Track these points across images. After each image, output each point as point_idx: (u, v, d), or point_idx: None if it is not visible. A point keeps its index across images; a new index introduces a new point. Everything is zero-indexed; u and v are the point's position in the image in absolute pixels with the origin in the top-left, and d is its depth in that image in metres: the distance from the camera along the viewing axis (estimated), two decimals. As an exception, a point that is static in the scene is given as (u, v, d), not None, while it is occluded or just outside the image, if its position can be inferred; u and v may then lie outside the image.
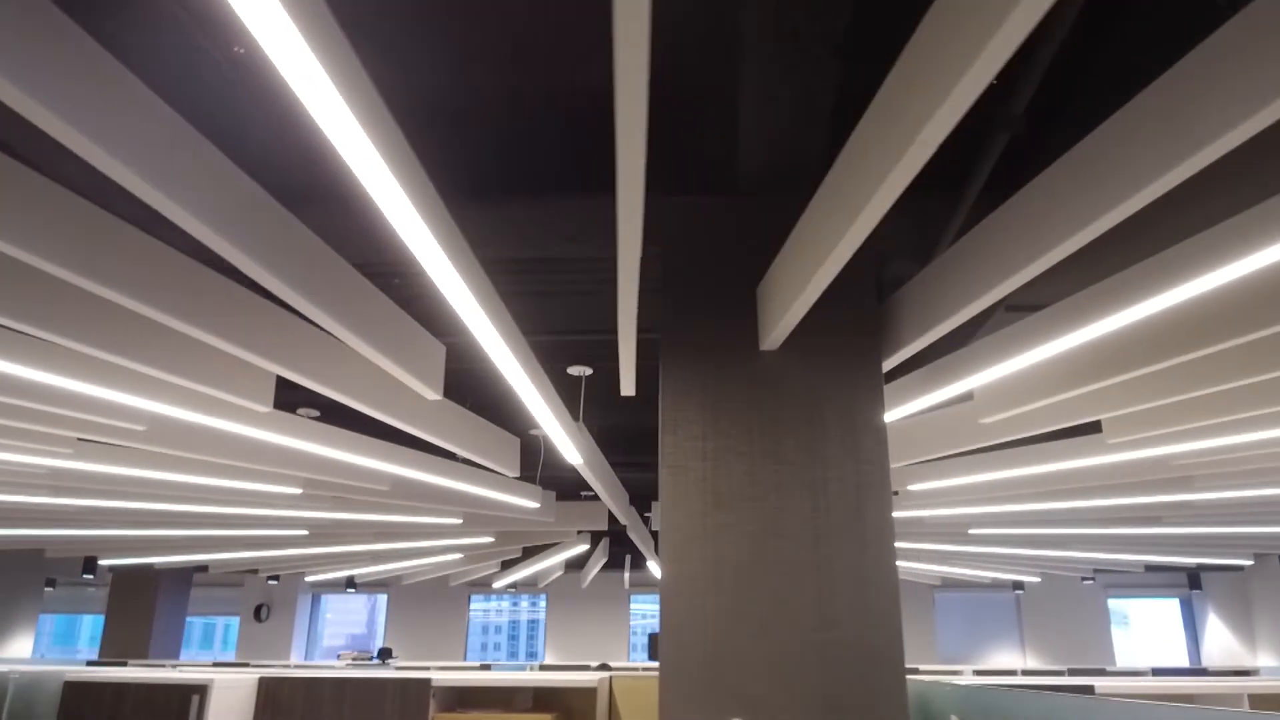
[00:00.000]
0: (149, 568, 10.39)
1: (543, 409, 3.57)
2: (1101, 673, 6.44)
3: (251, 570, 11.02)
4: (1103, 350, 3.15)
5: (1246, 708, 2.79)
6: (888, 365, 3.11)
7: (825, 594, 2.68)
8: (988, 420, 3.79)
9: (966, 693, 2.70)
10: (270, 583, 12.95)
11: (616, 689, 3.35)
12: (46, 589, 13.50)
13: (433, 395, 3.47)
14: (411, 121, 1.97)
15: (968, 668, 9.46)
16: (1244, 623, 12.55)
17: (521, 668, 7.51)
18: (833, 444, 2.83)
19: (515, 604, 14.77)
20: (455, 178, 3.20)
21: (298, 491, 5.42)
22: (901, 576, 11.63)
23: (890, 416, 3.77)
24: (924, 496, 5.61)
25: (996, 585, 12.88)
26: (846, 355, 2.93)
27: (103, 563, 9.79)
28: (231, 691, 2.98)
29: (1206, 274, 2.13)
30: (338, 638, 14.51)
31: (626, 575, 12.56)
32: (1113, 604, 13.29)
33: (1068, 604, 13.11)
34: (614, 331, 3.17)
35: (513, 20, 2.43)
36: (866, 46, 2.35)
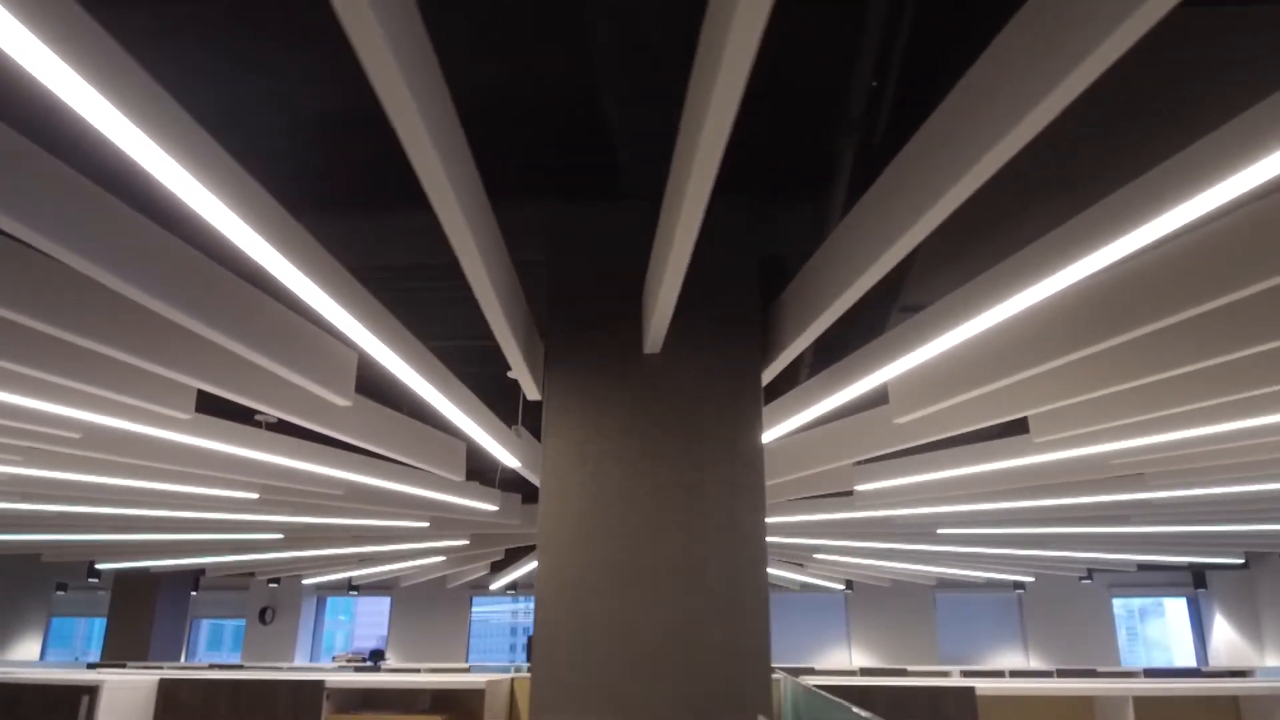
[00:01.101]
0: (148, 572, 10.59)
1: (455, 413, 3.62)
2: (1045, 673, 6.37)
3: (249, 573, 11.21)
4: (1019, 339, 3.08)
5: (1130, 713, 2.77)
6: (776, 368, 3.12)
7: (697, 595, 2.71)
8: (901, 420, 3.78)
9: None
10: (270, 585, 13.14)
11: (519, 689, 3.39)
12: (57, 593, 13.80)
13: (343, 402, 3.54)
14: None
15: (956, 668, 9.41)
16: (1250, 622, 12.32)
17: (507, 669, 7.58)
18: (709, 447, 2.85)
19: (516, 605, 14.86)
20: (359, 185, 3.27)
21: (254, 496, 5.52)
22: (898, 578, 11.56)
23: (799, 420, 3.78)
24: (875, 497, 5.60)
25: (997, 585, 12.75)
26: (726, 359, 2.95)
27: (99, 566, 10.01)
28: (129, 693, 3.06)
29: (1112, 243, 2.00)
30: (368, 639, 14.61)
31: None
32: (1132, 604, 13.10)
33: (1071, 604, 12.94)
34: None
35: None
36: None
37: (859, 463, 5.34)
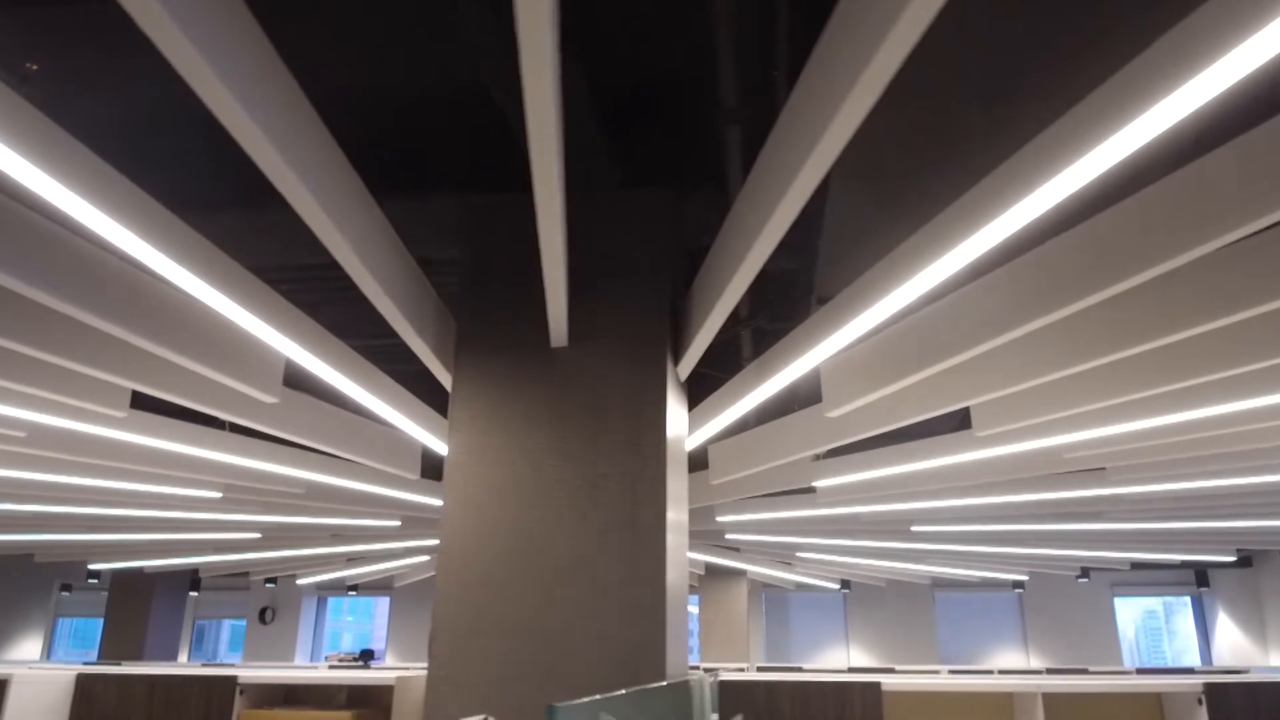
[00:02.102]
0: (142, 572, 10.71)
1: (382, 406, 3.63)
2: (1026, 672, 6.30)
3: (243, 573, 11.31)
4: (950, 324, 3.01)
5: (1040, 709, 2.72)
6: (689, 362, 3.11)
7: (596, 589, 2.70)
8: (834, 413, 3.75)
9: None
10: (268, 586, 13.25)
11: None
12: (62, 593, 14.00)
13: (269, 399, 3.56)
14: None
15: (944, 668, 9.31)
16: (1255, 620, 12.12)
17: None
18: (612, 441, 2.84)
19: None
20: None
21: (218, 495, 5.57)
22: (892, 577, 11.48)
23: (731, 416, 3.76)
24: (837, 493, 5.55)
25: (997, 585, 12.62)
26: (632, 352, 2.94)
27: (92, 567, 10.13)
28: (42, 688, 3.10)
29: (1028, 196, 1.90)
30: (382, 641, 14.66)
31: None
32: (1153, 603, 12.92)
33: (1072, 604, 12.79)
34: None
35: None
36: (599, 47, 2.38)
37: (817, 458, 5.31)
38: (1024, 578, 11.35)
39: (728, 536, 7.47)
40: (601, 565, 2.71)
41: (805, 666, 9.62)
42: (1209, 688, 2.66)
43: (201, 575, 12.68)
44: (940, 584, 13.00)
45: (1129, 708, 2.96)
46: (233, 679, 3.13)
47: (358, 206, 2.34)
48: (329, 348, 3.30)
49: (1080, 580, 12.28)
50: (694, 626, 12.52)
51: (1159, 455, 4.69)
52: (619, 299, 3.00)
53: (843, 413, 3.76)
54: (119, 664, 8.87)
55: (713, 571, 10.63)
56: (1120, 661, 12.52)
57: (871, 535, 7.31)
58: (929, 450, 4.59)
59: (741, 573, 10.81)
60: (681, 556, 3.06)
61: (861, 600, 13.20)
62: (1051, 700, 2.79)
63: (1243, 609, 12.29)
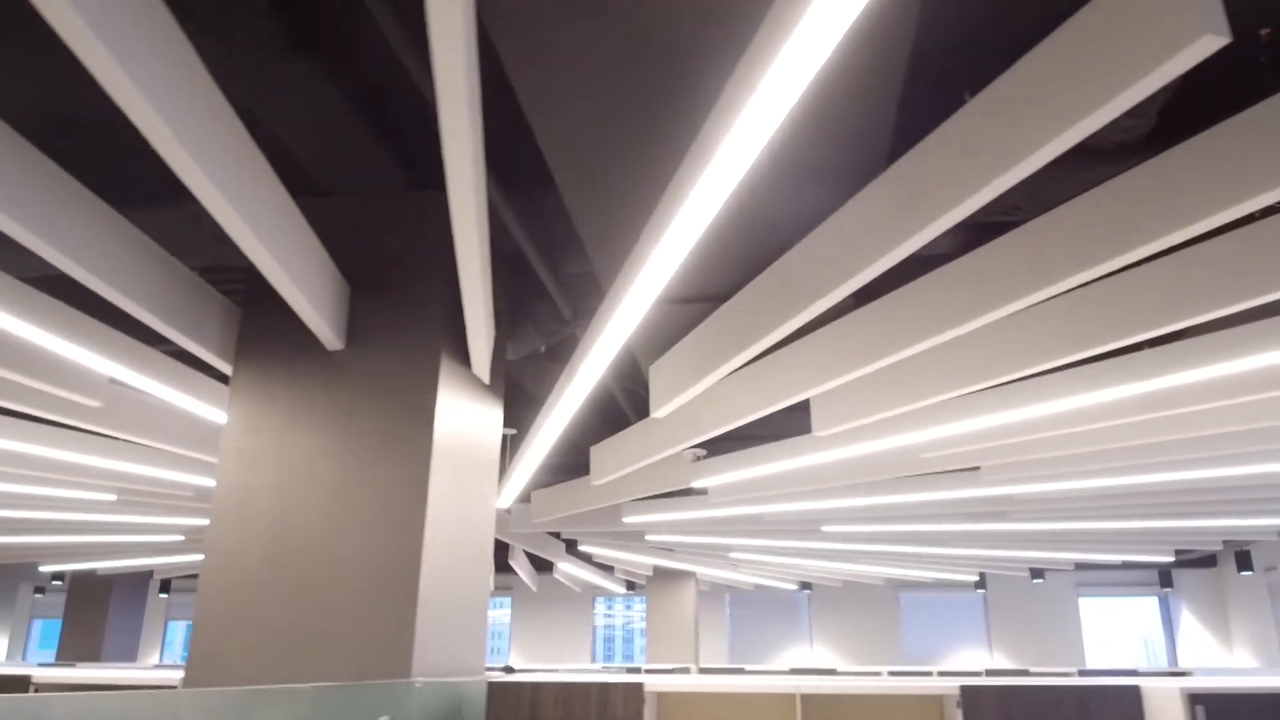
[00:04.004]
0: (95, 574, 10.82)
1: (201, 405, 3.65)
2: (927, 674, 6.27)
3: (192, 575, 11.40)
4: (760, 306, 2.96)
5: (797, 709, 2.71)
6: (480, 363, 3.11)
7: (350, 591, 2.71)
8: (661, 413, 3.75)
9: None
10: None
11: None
12: (36, 595, 14.16)
13: (92, 403, 3.60)
14: None
15: (884, 669, 9.25)
16: (1220, 622, 11.99)
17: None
18: (381, 443, 2.86)
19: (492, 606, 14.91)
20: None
21: (113, 498, 5.62)
22: (846, 578, 11.42)
23: (555, 425, 3.75)
24: (726, 493, 5.54)
25: (961, 585, 12.55)
26: (407, 355, 2.95)
27: (43, 569, 10.25)
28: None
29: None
30: None
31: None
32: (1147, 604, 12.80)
33: (1036, 604, 12.72)
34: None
35: None
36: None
37: (698, 458, 5.30)
38: (973, 578, 11.26)
39: (648, 538, 7.47)
40: (357, 567, 2.73)
41: (747, 668, 9.59)
42: (965, 690, 2.64)
43: (172, 577, 12.79)
44: (904, 585, 12.95)
45: (914, 708, 2.95)
46: (26, 678, 3.19)
47: (93, 219, 2.37)
48: (137, 354, 3.33)
49: (1037, 581, 12.19)
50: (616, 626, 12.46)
51: (1029, 454, 4.65)
52: (398, 302, 3.02)
53: (668, 411, 3.76)
54: (73, 665, 8.97)
55: (660, 573, 10.62)
56: (1083, 662, 12.42)
57: (786, 536, 7.29)
58: (787, 450, 4.58)
59: (689, 574, 10.79)
60: (464, 557, 3.07)
61: (826, 601, 13.16)
62: (834, 701, 2.78)
63: (1207, 609, 12.16)
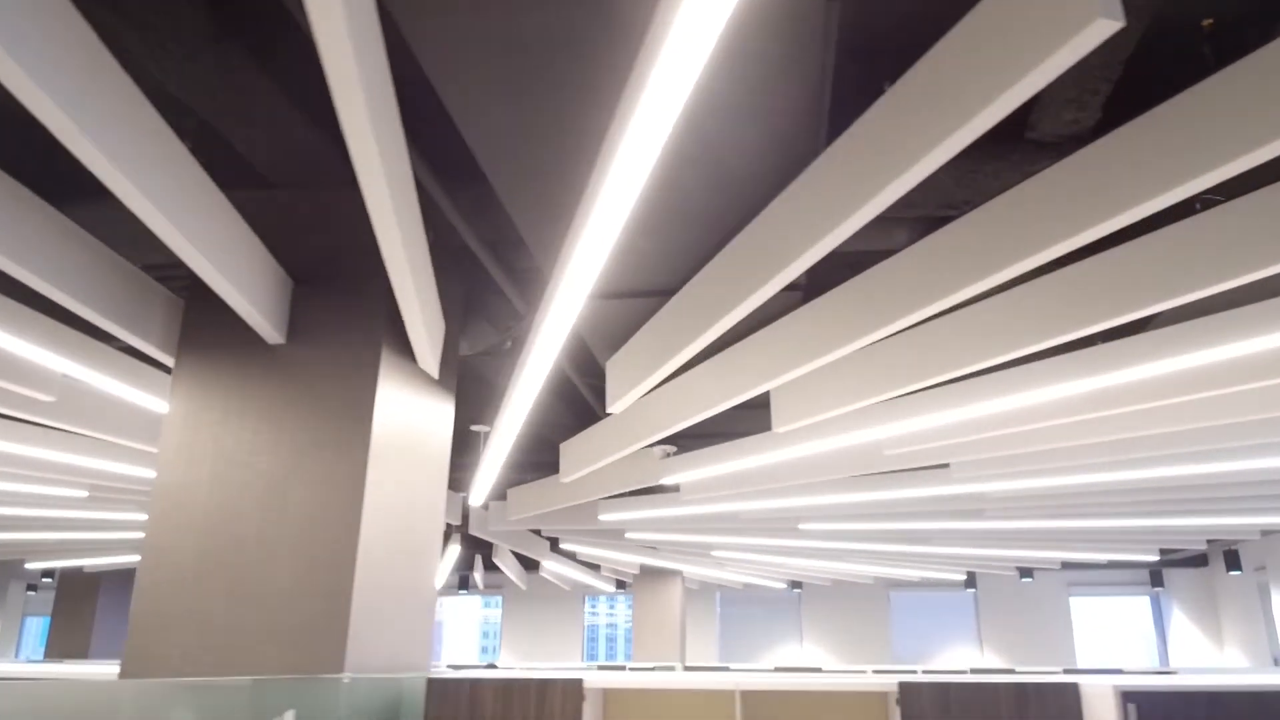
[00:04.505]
0: (82, 571, 10.83)
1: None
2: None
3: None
4: (708, 293, 2.92)
5: (737, 707, 2.69)
6: (426, 359, 3.10)
7: (283, 586, 2.70)
8: (614, 409, 3.73)
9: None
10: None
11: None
12: (29, 593, 14.20)
13: (45, 397, 3.59)
14: None
15: (870, 667, 9.21)
16: (1211, 621, 11.94)
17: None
18: (318, 437, 2.84)
19: (486, 605, 14.92)
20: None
21: (84, 494, 5.61)
22: (836, 577, 11.39)
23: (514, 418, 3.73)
24: (698, 490, 5.52)
25: (951, 584, 12.52)
26: (348, 349, 2.94)
27: (29, 566, 10.25)
28: None
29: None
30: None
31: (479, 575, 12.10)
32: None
33: (1027, 603, 12.68)
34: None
35: None
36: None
37: (667, 455, 5.28)
38: (960, 577, 11.24)
39: (628, 536, 7.45)
40: (291, 562, 2.72)
41: (732, 666, 9.57)
42: (903, 687, 2.62)
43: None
44: (895, 584, 12.92)
45: (855, 705, 2.93)
46: None
47: (29, 216, 2.36)
48: (88, 350, 3.32)
49: (1026, 581, 12.16)
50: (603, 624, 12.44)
51: (998, 450, 4.62)
52: (342, 296, 3.00)
53: (624, 406, 3.74)
54: (60, 662, 8.98)
55: (646, 571, 10.61)
56: (1074, 661, 12.38)
57: (765, 534, 7.26)
58: (753, 447, 4.56)
59: (676, 573, 10.77)
60: (408, 552, 3.05)
61: (817, 600, 13.13)
62: (776, 698, 2.76)
63: (1198, 609, 12.12)
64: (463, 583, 12.77)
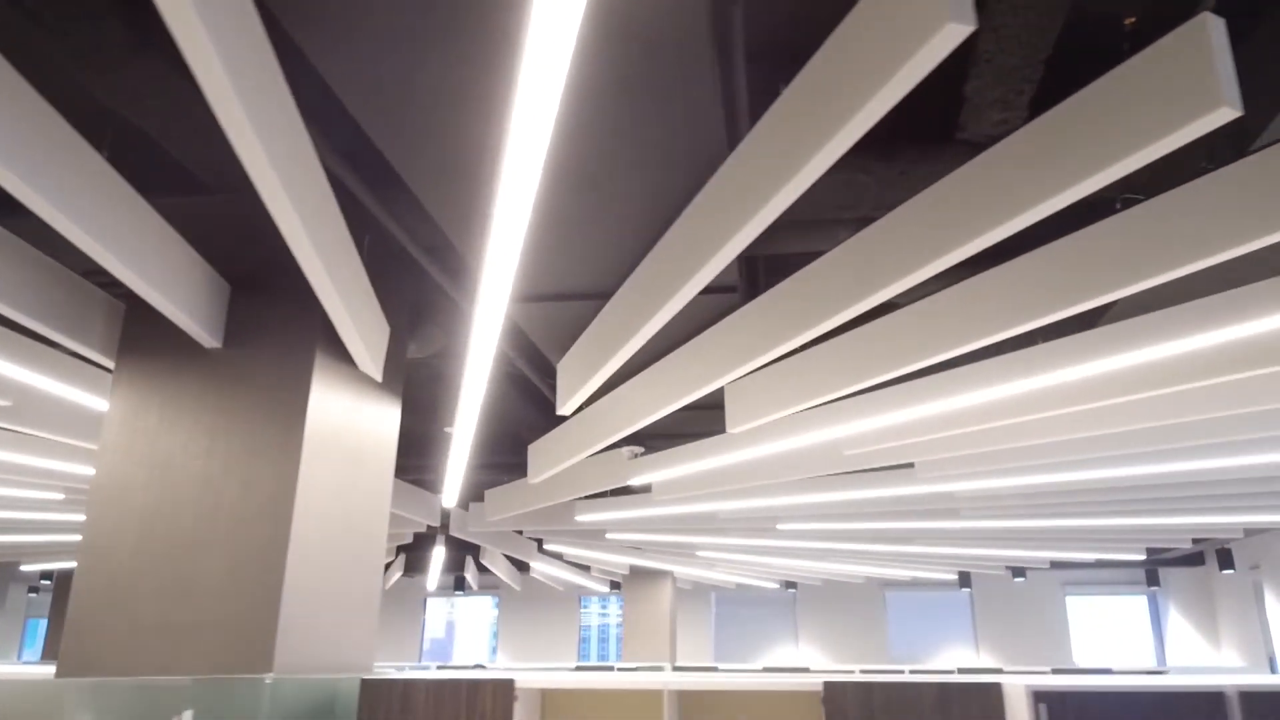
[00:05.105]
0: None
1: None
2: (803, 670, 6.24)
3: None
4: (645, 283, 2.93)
5: (665, 706, 2.71)
6: (368, 363, 3.12)
7: (215, 587, 2.73)
8: (565, 410, 3.75)
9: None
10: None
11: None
12: (30, 595, 14.34)
13: (4, 403, 3.64)
14: None
15: (857, 666, 9.18)
16: (1208, 620, 11.86)
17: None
18: (256, 437, 2.87)
19: (453, 606, 14.94)
20: None
21: (60, 496, 5.67)
22: (828, 577, 11.38)
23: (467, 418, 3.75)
24: (669, 489, 5.53)
25: (947, 584, 12.48)
26: (283, 353, 2.97)
27: (24, 568, 10.36)
28: None
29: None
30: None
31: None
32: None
33: (1023, 603, 12.63)
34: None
35: None
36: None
37: (635, 456, 5.29)
38: (951, 577, 11.21)
39: (609, 536, 7.47)
40: (222, 563, 2.75)
41: (721, 666, 9.57)
42: (828, 686, 2.63)
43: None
44: (891, 584, 12.89)
45: (786, 704, 2.94)
46: None
47: None
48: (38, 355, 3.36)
49: (1018, 580, 12.11)
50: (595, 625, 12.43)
51: (960, 449, 4.61)
52: (278, 300, 3.03)
53: (573, 407, 3.76)
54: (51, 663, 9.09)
55: (636, 572, 10.62)
56: (1070, 661, 12.32)
57: (745, 534, 7.27)
58: (714, 448, 4.57)
59: (666, 573, 10.78)
60: (348, 553, 3.08)
61: (812, 600, 13.12)
62: (713, 697, 2.77)
63: (1195, 607, 12.04)
64: (458, 584, 12.82)
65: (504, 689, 2.79)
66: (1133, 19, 2.64)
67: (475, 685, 2.81)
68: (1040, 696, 2.33)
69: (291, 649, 2.72)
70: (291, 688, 2.64)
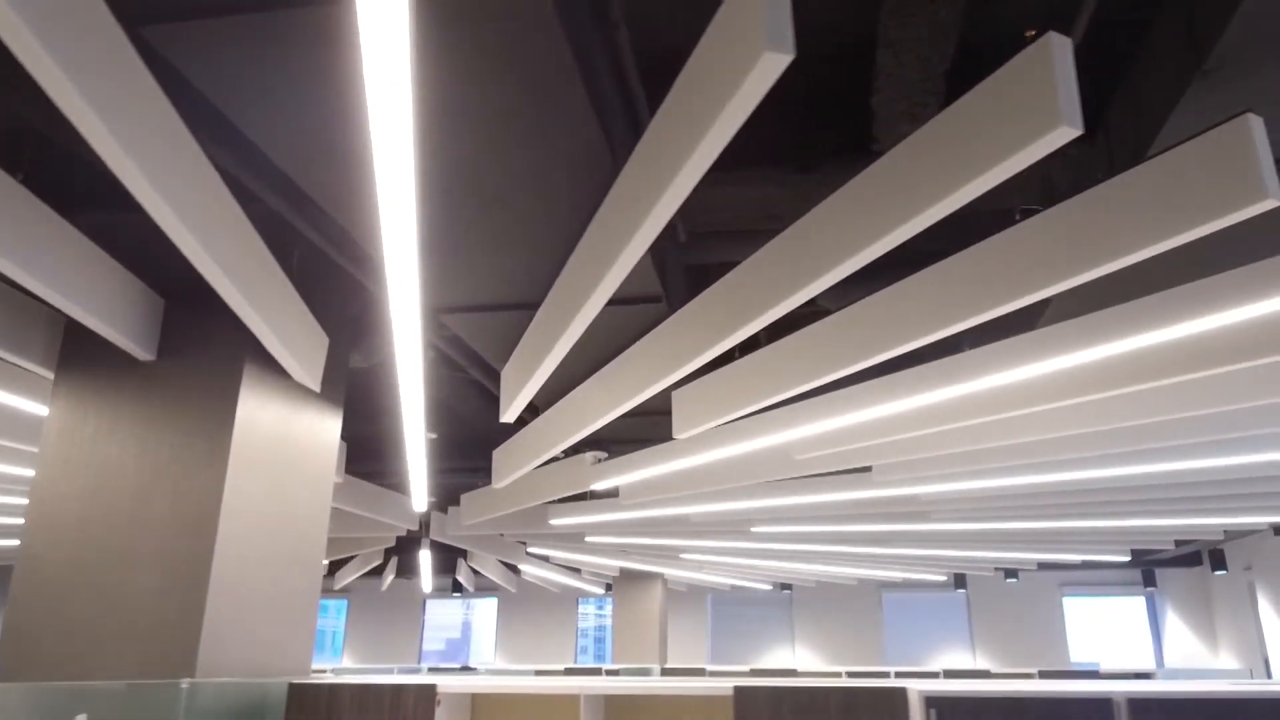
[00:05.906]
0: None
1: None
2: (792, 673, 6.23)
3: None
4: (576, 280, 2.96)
5: (581, 711, 2.76)
6: (305, 372, 3.19)
7: (143, 593, 2.80)
8: (507, 417, 3.80)
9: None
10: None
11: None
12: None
13: (-44, 413, 3.72)
14: None
15: (842, 668, 9.15)
16: (1205, 621, 11.77)
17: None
18: (185, 447, 2.95)
19: (469, 607, 15.04)
20: None
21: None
22: (821, 579, 11.38)
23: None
24: (636, 493, 5.58)
25: (944, 585, 12.45)
26: (214, 365, 3.04)
27: (23, 572, 10.50)
28: None
29: None
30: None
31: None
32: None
33: (1019, 604, 12.57)
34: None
35: None
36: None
37: (597, 460, 5.34)
38: (942, 578, 11.18)
39: (588, 539, 7.52)
40: (150, 569, 2.82)
41: (709, 668, 9.61)
42: (738, 691, 2.67)
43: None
44: (887, 585, 12.87)
45: (699, 708, 2.99)
46: None
47: None
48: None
49: (1010, 581, 12.06)
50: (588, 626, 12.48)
51: (913, 452, 4.63)
52: (210, 312, 3.10)
53: (514, 415, 3.82)
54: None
55: (626, 574, 10.67)
56: (1067, 662, 12.26)
57: (722, 536, 7.30)
58: (667, 453, 4.61)
59: (657, 576, 10.82)
60: (282, 560, 3.14)
61: (809, 602, 13.12)
62: (628, 701, 2.82)
63: (1192, 609, 11.94)
64: (455, 586, 12.92)
65: (426, 694, 2.84)
66: (1033, 31, 2.67)
67: (398, 690, 2.87)
68: (931, 702, 2.36)
69: (218, 654, 2.79)
70: (213, 691, 2.71)
